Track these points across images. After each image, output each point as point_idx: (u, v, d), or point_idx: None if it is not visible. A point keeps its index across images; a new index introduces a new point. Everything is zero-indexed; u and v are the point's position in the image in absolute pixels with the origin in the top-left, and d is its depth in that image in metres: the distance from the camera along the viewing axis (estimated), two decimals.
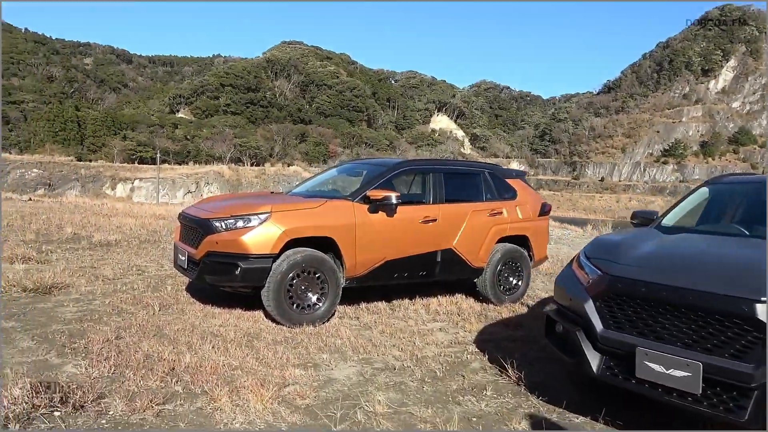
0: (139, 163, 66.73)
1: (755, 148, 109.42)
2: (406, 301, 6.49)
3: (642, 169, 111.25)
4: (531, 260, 6.89)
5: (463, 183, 6.56)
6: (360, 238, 5.51)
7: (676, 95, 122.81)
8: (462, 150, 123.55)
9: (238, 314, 5.55)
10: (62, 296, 5.90)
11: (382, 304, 6.31)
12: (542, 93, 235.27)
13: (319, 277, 5.35)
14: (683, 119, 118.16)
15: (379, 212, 5.65)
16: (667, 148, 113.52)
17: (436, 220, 6.03)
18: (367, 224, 5.57)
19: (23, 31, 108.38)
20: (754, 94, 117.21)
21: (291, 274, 5.17)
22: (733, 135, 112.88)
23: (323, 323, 5.38)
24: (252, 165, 76.92)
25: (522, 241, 6.79)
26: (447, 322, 5.81)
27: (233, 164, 72.59)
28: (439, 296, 6.73)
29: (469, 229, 6.26)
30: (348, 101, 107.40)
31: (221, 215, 5.23)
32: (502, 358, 4.51)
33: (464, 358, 4.67)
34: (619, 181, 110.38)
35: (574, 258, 4.09)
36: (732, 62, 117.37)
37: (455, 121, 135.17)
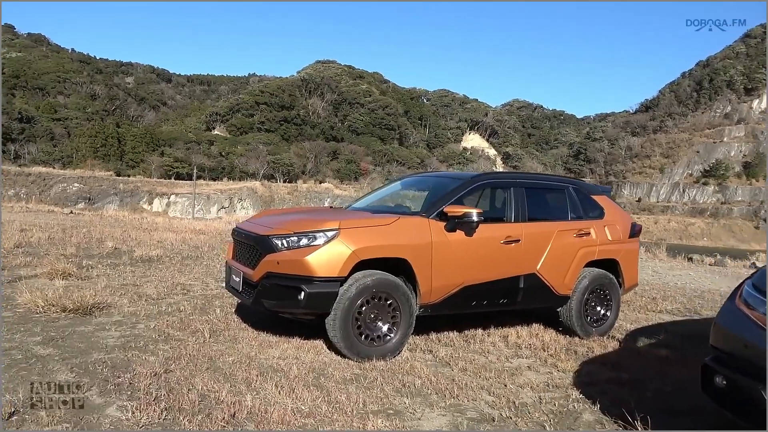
0: (175, 179, 67.55)
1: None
2: (480, 331, 5.76)
3: (681, 189, 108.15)
4: (621, 287, 6.09)
5: (546, 199, 5.84)
6: (436, 260, 4.83)
7: (717, 114, 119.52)
8: (494, 169, 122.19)
9: (297, 344, 4.90)
10: (104, 318, 5.36)
11: (454, 335, 5.60)
12: (576, 112, 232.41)
13: (390, 305, 4.67)
14: (725, 139, 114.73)
15: (457, 231, 4.97)
16: (708, 168, 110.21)
17: (519, 240, 5.31)
18: (444, 244, 4.88)
19: (70, 51, 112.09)
20: None
21: (360, 301, 4.51)
22: None
23: (394, 357, 4.70)
24: (285, 182, 77.31)
25: (611, 265, 6.00)
26: (533, 359, 5.05)
27: (266, 181, 73.03)
28: (516, 326, 5.98)
29: (554, 251, 5.52)
30: (380, 119, 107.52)
31: (282, 232, 4.62)
32: (615, 406, 3.77)
33: (570, 407, 3.91)
34: (657, 201, 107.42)
35: (736, 292, 3.33)
36: None
37: (487, 140, 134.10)
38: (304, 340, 5.01)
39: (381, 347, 4.63)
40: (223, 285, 7.35)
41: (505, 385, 4.26)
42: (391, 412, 3.60)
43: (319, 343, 4.94)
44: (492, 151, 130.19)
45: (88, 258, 8.76)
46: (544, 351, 5.27)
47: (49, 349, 4.31)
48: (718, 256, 16.04)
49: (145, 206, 59.62)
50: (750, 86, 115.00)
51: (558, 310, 5.81)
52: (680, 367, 4.96)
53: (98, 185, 59.77)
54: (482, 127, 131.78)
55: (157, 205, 61.84)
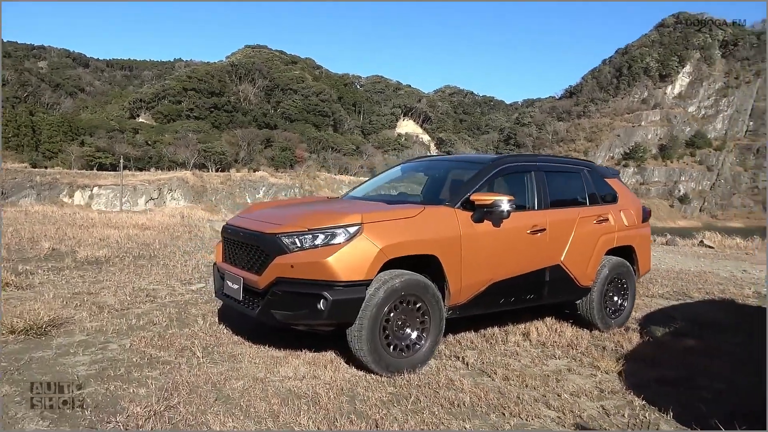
0: (98, 170, 63.39)
1: (710, 151, 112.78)
2: (497, 329, 5.25)
3: None
4: (636, 275, 5.76)
5: (566, 183, 5.38)
6: (466, 256, 4.25)
7: (635, 100, 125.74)
8: (428, 154, 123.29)
9: (308, 359, 4.20)
10: (64, 338, 4.43)
11: (471, 335, 5.07)
12: (505, 98, 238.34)
13: (419, 308, 4.06)
14: (642, 123, 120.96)
15: (485, 221, 4.41)
16: (628, 151, 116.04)
17: (544, 230, 4.83)
18: (473, 237, 4.31)
19: None
20: (708, 98, 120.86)
21: (387, 307, 3.87)
22: (690, 138, 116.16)
23: (423, 368, 4.10)
24: (217, 171, 74.53)
25: (627, 252, 5.65)
26: (567, 359, 4.60)
27: (197, 170, 70.00)
28: (531, 321, 5.52)
29: (577, 240, 5.08)
30: (314, 106, 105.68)
31: (294, 228, 3.88)
32: (686, 413, 3.40)
33: (642, 417, 3.47)
34: None
35: None
36: (687, 68, 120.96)
37: (421, 126, 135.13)
38: (314, 353, 4.32)
39: (411, 357, 4.03)
40: (193, 289, 6.51)
41: (559, 395, 3.77)
42: None
43: (332, 356, 4.27)
44: (426, 137, 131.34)
45: (23, 262, 7.57)
46: (573, 349, 4.84)
47: (4, 387, 3.41)
48: (669, 236, 16.45)
49: (66, 200, 55.59)
50: (664, 73, 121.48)
51: (577, 302, 5.39)
52: (715, 360, 4.69)
53: (11, 178, 55.08)
54: (416, 113, 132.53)
55: (79, 198, 57.84)
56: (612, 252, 5.50)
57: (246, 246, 4.16)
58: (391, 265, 3.96)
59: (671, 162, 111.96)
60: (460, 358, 4.44)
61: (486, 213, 4.36)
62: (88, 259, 8.00)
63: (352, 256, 3.74)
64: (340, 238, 3.79)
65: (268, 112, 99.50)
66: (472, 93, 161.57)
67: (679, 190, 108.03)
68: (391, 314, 3.93)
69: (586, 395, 3.80)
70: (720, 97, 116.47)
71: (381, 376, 3.90)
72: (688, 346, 5.08)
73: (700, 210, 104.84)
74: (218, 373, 3.81)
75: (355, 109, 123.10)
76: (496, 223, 4.45)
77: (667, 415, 3.50)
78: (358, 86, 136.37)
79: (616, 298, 5.58)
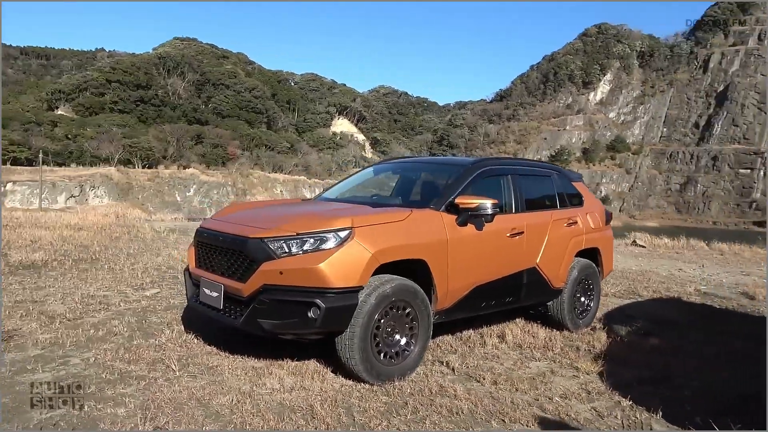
0: (12, 165, 59.16)
1: (629, 155, 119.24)
2: (472, 331, 5.26)
3: None
4: (600, 276, 5.93)
5: (539, 187, 5.44)
6: (452, 259, 4.21)
7: (561, 105, 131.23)
8: (363, 154, 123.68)
9: (291, 368, 4.03)
10: (16, 353, 4.03)
11: (449, 338, 5.05)
12: (438, 99, 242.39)
13: (408, 314, 3.98)
14: (567, 127, 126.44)
15: (468, 225, 4.38)
16: (554, 154, 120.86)
17: (522, 232, 4.86)
18: (458, 240, 4.27)
19: None
20: (627, 105, 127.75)
21: (378, 313, 3.76)
22: (611, 143, 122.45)
23: (412, 373, 4.02)
24: (144, 167, 71.39)
25: (593, 254, 5.80)
26: (547, 361, 4.65)
27: (122, 166, 66.72)
28: (502, 323, 5.56)
29: (551, 242, 5.16)
30: (247, 102, 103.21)
31: (282, 233, 3.69)
32: (673, 412, 3.54)
33: (634, 418, 3.55)
34: None
35: None
36: (608, 76, 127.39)
37: (356, 125, 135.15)
38: (296, 362, 4.14)
39: (401, 364, 3.94)
40: (147, 295, 6.13)
41: (550, 398, 3.79)
42: None
43: (316, 365, 4.11)
44: (361, 136, 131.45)
45: None
46: (550, 350, 4.90)
47: None
48: None
49: None
50: (587, 80, 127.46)
51: (548, 304, 5.48)
52: (683, 359, 4.87)
53: None
54: (351, 113, 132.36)
55: None
56: (580, 254, 5.63)
57: (227, 251, 3.92)
58: (380, 270, 3.85)
59: (593, 165, 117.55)
60: (444, 363, 4.39)
61: (470, 216, 4.34)
62: (24, 264, 7.37)
63: (344, 262, 3.60)
64: (330, 243, 3.64)
65: (199, 108, 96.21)
66: (406, 94, 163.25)
67: (601, 192, 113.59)
68: (381, 321, 3.82)
69: (575, 397, 3.84)
70: (637, 105, 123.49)
71: (371, 385, 3.78)
72: (654, 345, 5.26)
73: (619, 210, 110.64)
74: (200, 387, 3.57)
75: (289, 107, 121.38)
76: (479, 226, 4.44)
77: (656, 414, 3.59)
78: (293, 83, 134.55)
79: (583, 299, 5.71)
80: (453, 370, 4.26)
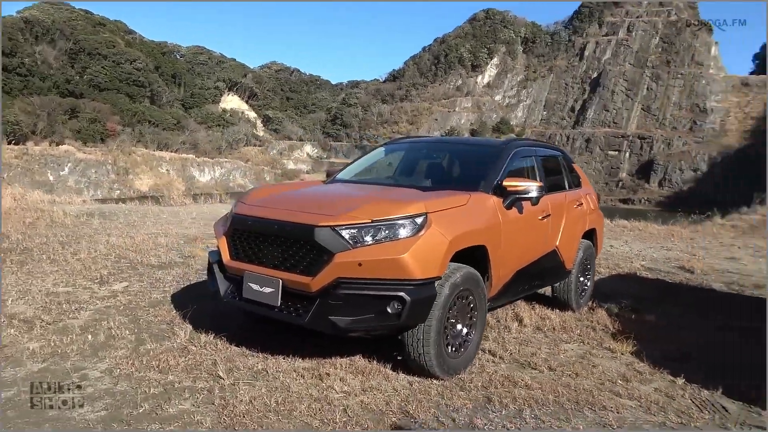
0: None
1: (513, 136, 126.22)
2: (488, 316, 5.18)
3: None
4: (595, 256, 6.10)
5: (553, 168, 5.44)
6: (504, 244, 4.08)
7: (451, 87, 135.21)
8: (255, 132, 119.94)
9: (347, 367, 3.71)
10: (15, 368, 3.32)
11: None
12: (331, 78, 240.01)
13: (470, 303, 3.79)
14: (456, 109, 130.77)
15: (513, 208, 4.26)
16: (445, 134, 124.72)
17: (550, 215, 4.84)
18: (507, 224, 4.15)
19: None
20: (511, 89, 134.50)
21: (449, 304, 3.54)
22: (496, 124, 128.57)
23: (471, 365, 3.87)
24: (10, 143, 64.01)
25: (591, 235, 5.94)
26: (575, 343, 4.73)
27: None
28: (505, 308, 5.54)
29: (568, 224, 5.21)
30: (127, 74, 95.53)
31: (355, 220, 3.33)
32: (723, 386, 3.69)
33: (701, 398, 3.65)
34: None
35: None
36: (495, 60, 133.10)
37: (247, 102, 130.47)
38: (344, 358, 3.85)
39: (464, 356, 3.78)
40: (117, 289, 5.41)
41: (613, 382, 3.83)
42: None
43: (365, 363, 3.82)
44: (252, 114, 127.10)
45: None
46: (570, 332, 4.98)
47: None
48: None
49: None
50: (476, 63, 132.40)
51: (555, 285, 5.53)
52: (685, 333, 5.14)
53: None
54: (241, 89, 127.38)
55: None
56: (583, 236, 5.74)
57: (284, 241, 3.47)
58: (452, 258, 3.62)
59: None
60: (487, 351, 4.27)
61: (516, 199, 4.22)
62: None
63: (425, 251, 3.34)
64: (407, 230, 3.36)
65: (73, 79, 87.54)
66: (298, 71, 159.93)
67: None
68: (450, 311, 3.61)
69: (634, 379, 3.90)
70: (521, 89, 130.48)
71: (440, 380, 3.57)
72: (650, 321, 5.53)
73: None
74: (266, 395, 3.16)
75: (174, 81, 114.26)
76: (521, 209, 4.34)
77: (717, 390, 3.72)
78: (178, 56, 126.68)
79: (582, 279, 5.85)
80: (501, 358, 4.17)
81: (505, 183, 4.17)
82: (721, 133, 72.14)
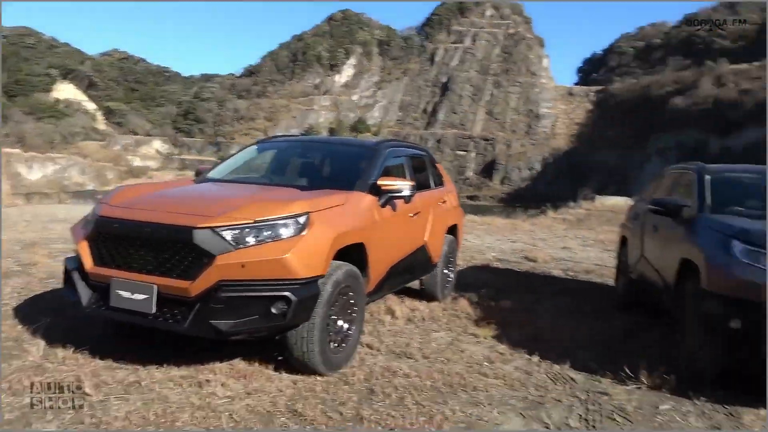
0: None
1: (370, 135, 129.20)
2: None
3: None
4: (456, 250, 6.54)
5: (420, 168, 5.73)
6: (380, 242, 4.25)
7: (309, 85, 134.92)
8: (95, 125, 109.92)
9: (225, 371, 3.64)
10: None
11: None
12: (181, 70, 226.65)
13: (350, 299, 3.91)
14: (315, 107, 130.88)
15: (387, 207, 4.45)
16: (303, 132, 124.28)
17: (419, 212, 5.11)
18: (382, 222, 4.33)
19: None
20: (368, 89, 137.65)
21: (331, 301, 3.62)
22: (354, 123, 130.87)
23: (352, 360, 3.98)
24: None
25: (453, 230, 6.36)
26: (443, 331, 5.04)
27: None
28: (376, 302, 5.75)
29: (434, 221, 5.54)
30: None
31: (237, 221, 3.26)
32: (583, 362, 4.23)
33: (557, 372, 4.10)
34: None
35: None
36: (352, 60, 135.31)
37: (85, 92, 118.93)
38: (221, 363, 3.76)
39: (346, 350, 3.89)
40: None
41: (480, 364, 4.17)
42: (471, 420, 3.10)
43: (244, 366, 3.77)
44: (91, 105, 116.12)
45: None
46: (440, 321, 5.33)
47: None
48: None
49: None
50: (333, 62, 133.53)
51: (422, 278, 5.84)
52: (539, 317, 5.72)
53: None
54: (78, 77, 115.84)
55: None
56: (447, 231, 6.13)
57: (158, 244, 3.28)
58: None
59: None
60: (364, 344, 4.42)
61: (390, 198, 4.41)
62: None
63: (309, 250, 3.38)
64: (290, 230, 3.38)
65: None
66: (144, 61, 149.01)
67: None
68: (332, 308, 3.68)
69: (497, 360, 4.28)
70: (377, 89, 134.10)
71: (322, 376, 3.64)
72: (509, 307, 6.03)
73: None
74: (142, 410, 2.99)
75: None
76: (394, 207, 4.54)
77: (565, 364, 4.21)
78: (1, 37, 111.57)
79: (446, 271, 6.25)
80: (378, 350, 4.34)
81: (380, 182, 4.34)
82: (551, 137, 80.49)
